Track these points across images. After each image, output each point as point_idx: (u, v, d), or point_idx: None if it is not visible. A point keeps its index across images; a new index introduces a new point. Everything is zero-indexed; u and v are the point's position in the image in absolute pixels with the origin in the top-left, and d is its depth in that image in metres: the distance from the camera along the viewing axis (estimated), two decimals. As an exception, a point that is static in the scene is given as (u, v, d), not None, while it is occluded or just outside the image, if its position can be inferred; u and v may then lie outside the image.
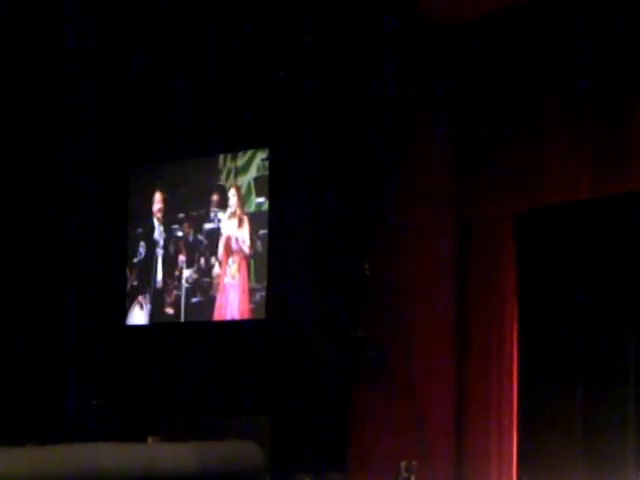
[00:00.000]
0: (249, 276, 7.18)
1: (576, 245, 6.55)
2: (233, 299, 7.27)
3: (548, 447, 6.43)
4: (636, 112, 6.18)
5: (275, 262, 7.08)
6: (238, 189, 7.34)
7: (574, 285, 6.53)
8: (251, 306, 7.14)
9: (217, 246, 7.45)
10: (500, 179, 6.86)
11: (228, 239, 7.36)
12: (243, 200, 7.29)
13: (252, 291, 7.18)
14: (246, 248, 7.22)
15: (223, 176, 7.48)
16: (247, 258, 7.22)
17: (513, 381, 6.69)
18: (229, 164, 7.46)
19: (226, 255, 7.35)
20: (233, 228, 7.33)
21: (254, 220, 7.24)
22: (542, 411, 6.55)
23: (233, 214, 7.35)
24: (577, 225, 6.57)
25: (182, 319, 7.65)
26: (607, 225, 6.43)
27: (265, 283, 7.09)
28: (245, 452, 4.06)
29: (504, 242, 6.89)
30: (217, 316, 7.36)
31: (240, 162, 7.40)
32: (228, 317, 7.31)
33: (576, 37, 6.44)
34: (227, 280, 7.31)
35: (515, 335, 6.76)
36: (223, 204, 7.45)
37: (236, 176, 7.38)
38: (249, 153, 7.36)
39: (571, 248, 6.57)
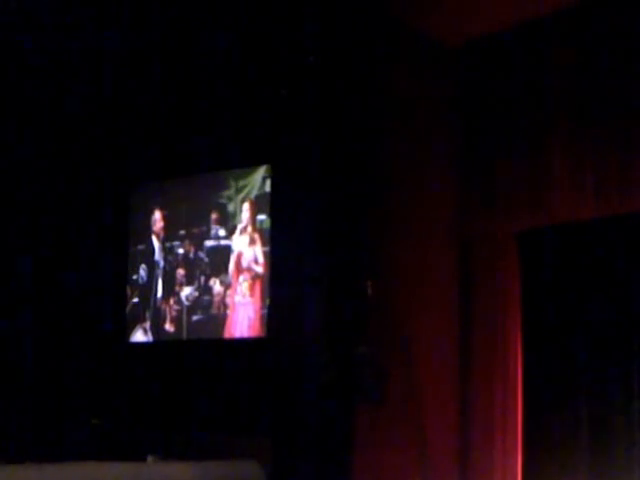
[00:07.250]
0: (262, 295, 7.11)
1: (579, 264, 6.55)
2: (243, 317, 7.21)
3: (553, 467, 6.41)
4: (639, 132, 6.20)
5: (277, 280, 7.05)
6: (249, 205, 7.29)
7: (578, 304, 6.53)
8: (263, 325, 7.08)
9: (218, 264, 7.41)
10: (503, 198, 6.86)
11: (239, 256, 7.30)
12: (252, 217, 7.25)
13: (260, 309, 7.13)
14: (260, 266, 7.15)
15: (223, 193, 7.45)
16: (262, 277, 7.14)
17: (517, 400, 6.67)
18: (230, 181, 7.43)
19: (237, 273, 7.30)
20: (244, 245, 7.27)
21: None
22: (547, 431, 6.52)
23: (244, 231, 7.30)
24: (580, 244, 6.58)
25: (183, 337, 7.61)
26: (610, 244, 6.43)
27: (267, 301, 7.06)
28: (246, 471, 4.03)
29: (507, 261, 6.89)
30: (227, 334, 7.30)
31: (241, 179, 7.37)
32: (238, 335, 7.25)
33: (581, 56, 6.46)
34: (238, 299, 7.25)
35: (519, 354, 6.74)
36: (223, 222, 7.42)
37: (239, 193, 7.36)
38: (250, 170, 7.34)
39: (574, 267, 6.57)
